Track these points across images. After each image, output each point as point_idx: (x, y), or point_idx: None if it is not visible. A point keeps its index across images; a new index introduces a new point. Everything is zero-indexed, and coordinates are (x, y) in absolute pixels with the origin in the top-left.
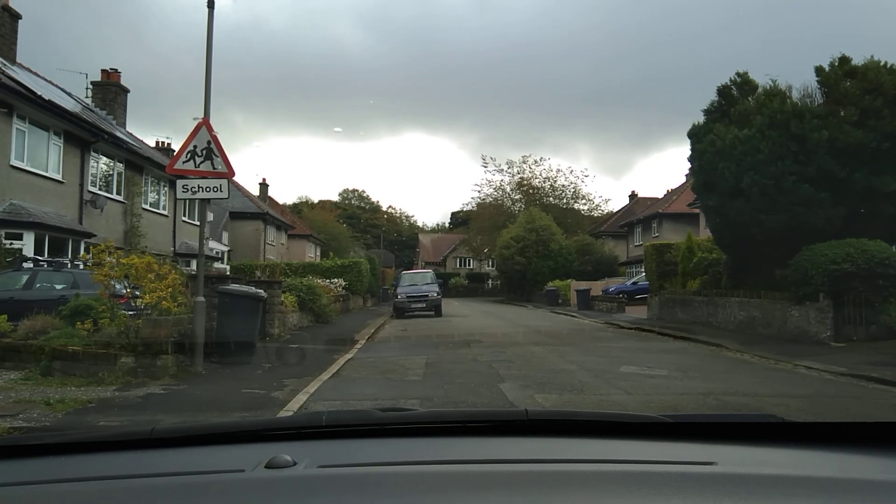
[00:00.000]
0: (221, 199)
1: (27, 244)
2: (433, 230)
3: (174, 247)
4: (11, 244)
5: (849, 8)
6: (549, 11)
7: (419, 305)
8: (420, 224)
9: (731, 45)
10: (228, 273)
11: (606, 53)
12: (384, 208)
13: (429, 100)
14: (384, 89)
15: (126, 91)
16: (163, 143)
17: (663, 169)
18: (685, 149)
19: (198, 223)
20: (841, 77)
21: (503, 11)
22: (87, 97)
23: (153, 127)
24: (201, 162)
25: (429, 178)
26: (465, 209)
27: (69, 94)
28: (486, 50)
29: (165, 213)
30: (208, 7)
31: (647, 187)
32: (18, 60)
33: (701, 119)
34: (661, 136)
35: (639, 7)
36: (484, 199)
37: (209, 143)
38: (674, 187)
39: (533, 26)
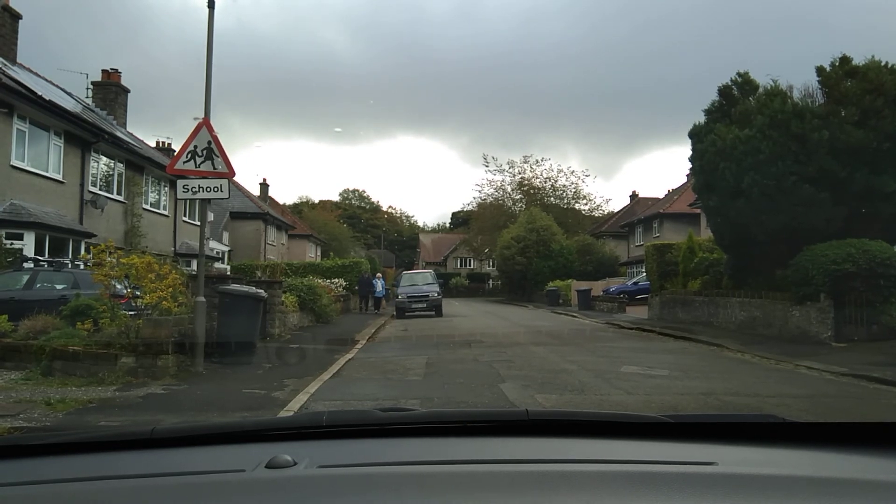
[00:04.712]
0: (222, 199)
1: (28, 244)
2: (434, 230)
3: (175, 247)
4: (12, 244)
5: (832, 26)
6: (534, 21)
7: (420, 305)
8: (420, 224)
9: (713, 56)
10: (229, 273)
11: (592, 61)
12: (384, 208)
13: (418, 103)
14: (375, 93)
15: (126, 91)
16: (163, 143)
17: (650, 171)
18: (669, 152)
19: (198, 223)
20: (842, 77)
21: (489, 21)
22: (87, 97)
23: (151, 130)
24: (202, 162)
25: (423, 178)
26: (465, 209)
27: (69, 95)
28: (473, 57)
29: (166, 213)
30: (209, 7)
31: (632, 188)
32: (19, 61)
33: (700, 119)
34: (646, 139)
35: (621, 20)
36: (485, 199)
37: (210, 143)
38: (674, 187)
39: (519, 34)
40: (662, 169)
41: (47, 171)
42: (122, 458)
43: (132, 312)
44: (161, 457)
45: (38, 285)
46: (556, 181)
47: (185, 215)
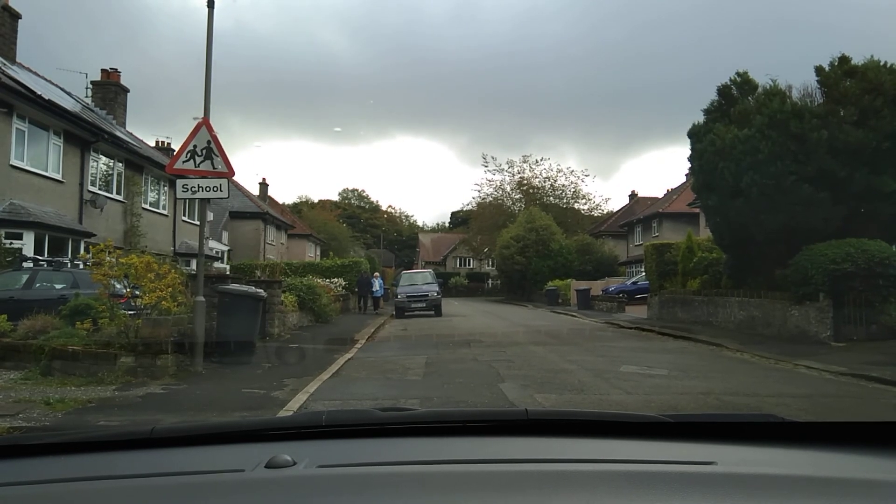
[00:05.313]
0: (221, 198)
1: (27, 244)
2: (433, 230)
3: (174, 246)
4: (11, 244)
5: (832, 27)
6: (533, 22)
7: (419, 305)
8: (420, 224)
9: (712, 56)
10: (228, 273)
11: (590, 61)
12: (384, 208)
13: (417, 103)
14: (374, 94)
15: (126, 91)
16: (163, 142)
17: (649, 170)
18: (668, 152)
19: (198, 223)
20: (841, 77)
21: (487, 21)
22: (86, 97)
23: (150, 130)
24: (201, 161)
25: (423, 178)
26: (465, 209)
27: (69, 94)
28: (471, 57)
29: (165, 212)
30: (208, 7)
31: (631, 188)
32: (18, 60)
33: (699, 119)
34: (644, 139)
35: (619, 20)
36: (484, 199)
37: (209, 142)
38: (673, 187)
39: (518, 35)
40: (661, 169)
41: (47, 171)
42: (122, 458)
43: (131, 312)
44: (160, 457)
45: (38, 285)
46: (555, 181)
47: (184, 215)
